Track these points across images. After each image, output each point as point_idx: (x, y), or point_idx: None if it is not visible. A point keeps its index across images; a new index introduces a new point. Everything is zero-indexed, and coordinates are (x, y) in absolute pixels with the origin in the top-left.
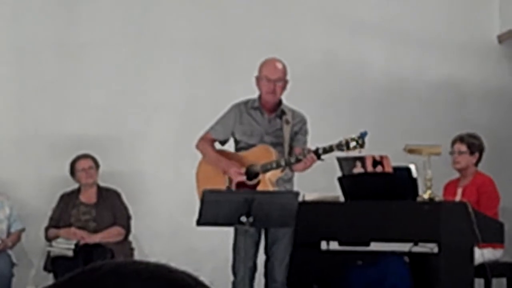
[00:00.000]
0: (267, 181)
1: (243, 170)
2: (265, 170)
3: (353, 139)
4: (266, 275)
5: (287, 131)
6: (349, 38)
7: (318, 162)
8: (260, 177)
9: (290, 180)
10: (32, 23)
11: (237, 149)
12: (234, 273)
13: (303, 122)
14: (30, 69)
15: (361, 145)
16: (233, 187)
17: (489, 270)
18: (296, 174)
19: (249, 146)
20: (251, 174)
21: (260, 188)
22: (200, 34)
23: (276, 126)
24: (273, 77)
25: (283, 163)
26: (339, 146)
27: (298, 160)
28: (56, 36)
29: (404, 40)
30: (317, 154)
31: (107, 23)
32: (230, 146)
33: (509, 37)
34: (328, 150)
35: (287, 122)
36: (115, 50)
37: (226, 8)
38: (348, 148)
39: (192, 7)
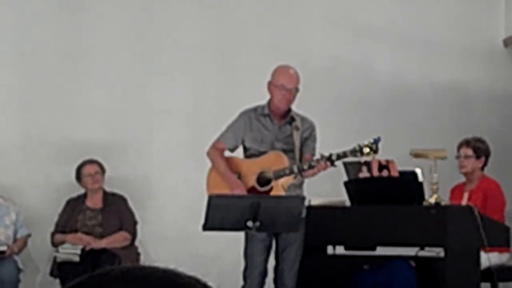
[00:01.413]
0: (280, 188)
1: (252, 181)
2: (278, 176)
3: (366, 145)
4: (276, 280)
5: (297, 138)
6: (354, 42)
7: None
8: (273, 183)
9: (301, 186)
10: (36, 28)
11: (247, 156)
12: (245, 278)
13: (312, 128)
14: (35, 74)
15: (375, 151)
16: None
17: (495, 274)
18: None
19: (260, 153)
20: (263, 180)
21: (273, 194)
22: (205, 39)
23: (286, 132)
24: (290, 86)
25: (295, 169)
26: (353, 152)
27: (311, 167)
28: (60, 41)
29: (409, 44)
30: (331, 160)
31: (111, 27)
32: (239, 154)
33: None
34: (342, 156)
35: (297, 128)
36: (120, 55)
37: (231, 13)
38: (362, 154)
39: (197, 11)
